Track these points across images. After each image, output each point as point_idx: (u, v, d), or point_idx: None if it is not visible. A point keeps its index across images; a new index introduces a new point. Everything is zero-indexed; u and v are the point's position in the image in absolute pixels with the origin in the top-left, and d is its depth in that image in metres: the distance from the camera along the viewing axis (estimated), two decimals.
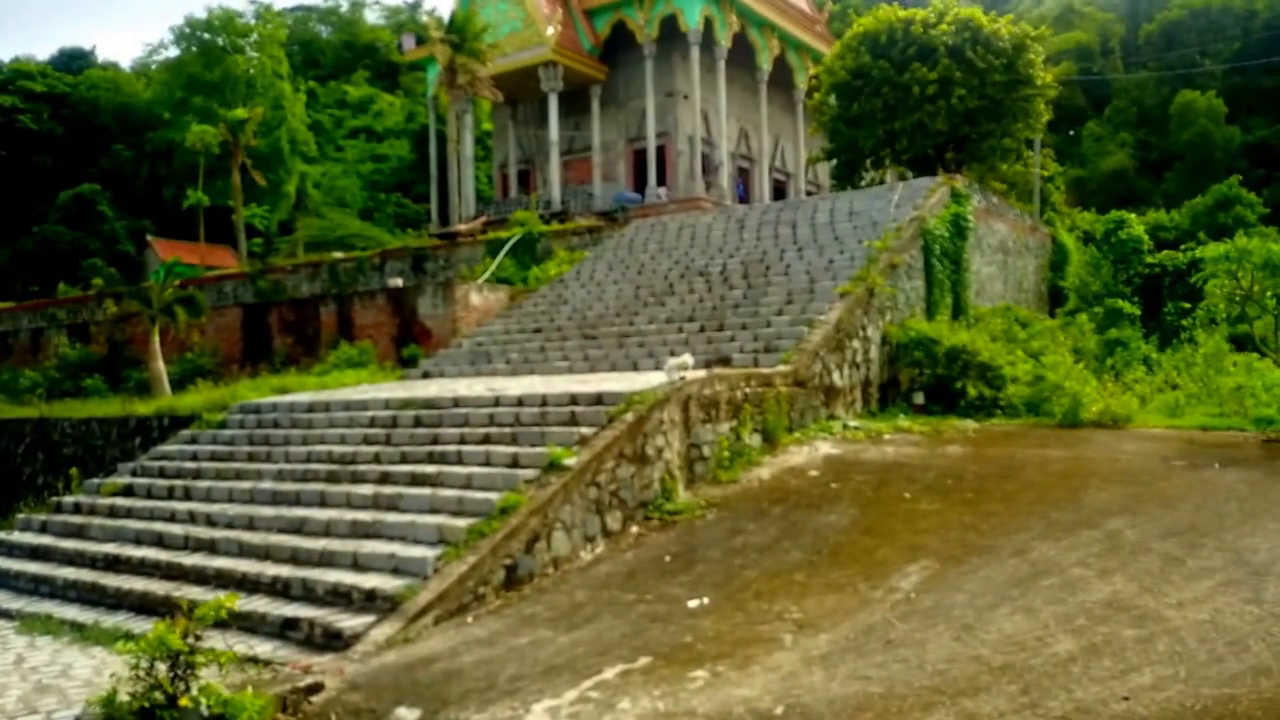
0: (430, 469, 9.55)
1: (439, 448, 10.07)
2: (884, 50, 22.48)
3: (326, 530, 8.87)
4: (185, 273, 34.22)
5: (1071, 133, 52.52)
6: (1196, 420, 13.62)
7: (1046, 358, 15.48)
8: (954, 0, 23.28)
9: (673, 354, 13.61)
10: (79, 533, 10.53)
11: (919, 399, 14.74)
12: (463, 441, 10.10)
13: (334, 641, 7.03)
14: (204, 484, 10.83)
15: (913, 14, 22.67)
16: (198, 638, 6.06)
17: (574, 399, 10.33)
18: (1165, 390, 16.35)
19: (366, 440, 10.91)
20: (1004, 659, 5.71)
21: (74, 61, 63.67)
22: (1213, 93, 50.00)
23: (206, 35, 54.90)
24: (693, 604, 7.21)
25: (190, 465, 11.63)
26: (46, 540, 10.55)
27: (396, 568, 7.85)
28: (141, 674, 5.74)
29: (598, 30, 31.82)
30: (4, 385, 24.15)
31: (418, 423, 11.02)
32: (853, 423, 13.39)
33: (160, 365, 19.74)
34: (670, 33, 30.07)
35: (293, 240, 43.99)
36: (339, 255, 27.91)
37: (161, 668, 5.82)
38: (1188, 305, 21.48)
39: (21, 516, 11.55)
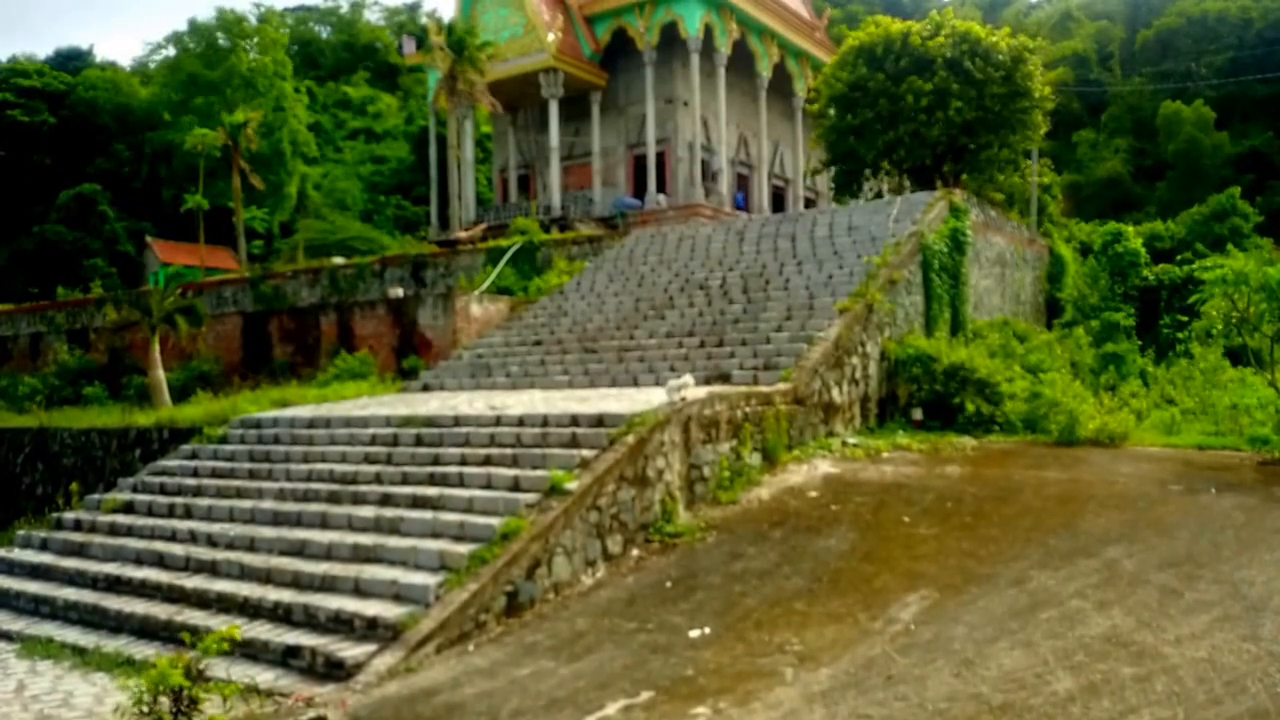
0: (432, 491, 9.57)
1: (440, 468, 10.07)
2: (880, 63, 22.53)
3: (328, 553, 8.89)
4: (186, 276, 34.22)
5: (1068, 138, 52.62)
6: (1193, 439, 13.68)
7: (1044, 374, 15.55)
8: (951, 12, 23.36)
9: (673, 369, 13.70)
10: (80, 551, 10.54)
11: (917, 415, 14.79)
12: (464, 462, 10.12)
13: (336, 671, 7.06)
14: (205, 502, 10.84)
15: (908, 27, 22.73)
16: (199, 671, 6.10)
17: (575, 420, 10.36)
18: (1162, 405, 16.44)
19: (368, 459, 10.92)
20: (1004, 697, 5.75)
21: (70, 62, 63.65)
22: (1200, 101, 50.21)
23: (209, 35, 54.93)
24: (694, 634, 7.24)
25: (191, 482, 11.63)
26: (47, 558, 10.56)
27: (398, 594, 7.86)
28: (144, 709, 5.77)
29: (598, 37, 31.87)
30: (3, 391, 24.12)
31: (419, 441, 11.03)
32: (852, 440, 13.43)
33: (160, 374, 19.74)
34: (670, 39, 30.14)
35: (293, 243, 43.94)
36: (339, 261, 27.94)
37: (164, 702, 5.86)
38: (1184, 318, 21.58)
39: (22, 533, 11.55)
